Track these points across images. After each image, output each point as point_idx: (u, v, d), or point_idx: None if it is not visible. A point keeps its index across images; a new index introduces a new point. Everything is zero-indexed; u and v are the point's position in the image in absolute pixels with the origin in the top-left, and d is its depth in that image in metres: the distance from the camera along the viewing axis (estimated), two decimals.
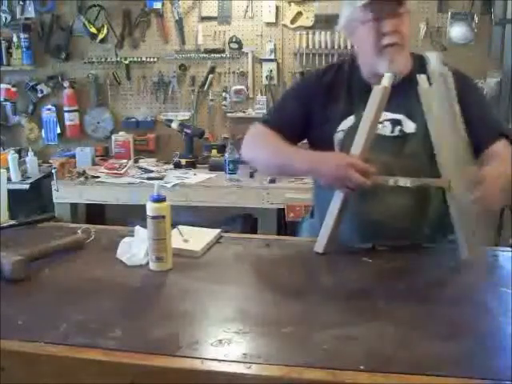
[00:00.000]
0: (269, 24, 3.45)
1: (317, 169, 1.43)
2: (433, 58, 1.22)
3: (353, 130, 1.46)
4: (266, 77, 3.50)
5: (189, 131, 3.47)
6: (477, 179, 1.24)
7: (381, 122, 1.46)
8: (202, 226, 1.66)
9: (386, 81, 1.35)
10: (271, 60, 3.48)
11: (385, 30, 1.42)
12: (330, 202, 1.44)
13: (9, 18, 3.50)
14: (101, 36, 3.52)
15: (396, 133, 1.50)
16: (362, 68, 1.56)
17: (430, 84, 1.35)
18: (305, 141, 1.66)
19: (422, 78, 1.35)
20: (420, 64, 1.49)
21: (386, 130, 1.50)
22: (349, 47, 3.32)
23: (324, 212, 1.47)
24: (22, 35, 3.48)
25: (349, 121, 1.52)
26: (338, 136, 1.54)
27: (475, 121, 1.41)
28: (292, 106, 1.63)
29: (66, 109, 3.63)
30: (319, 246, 1.48)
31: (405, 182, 1.31)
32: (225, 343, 1.01)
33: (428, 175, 1.40)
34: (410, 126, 1.50)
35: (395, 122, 1.50)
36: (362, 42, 1.51)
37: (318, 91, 1.58)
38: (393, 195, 1.45)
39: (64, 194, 3.19)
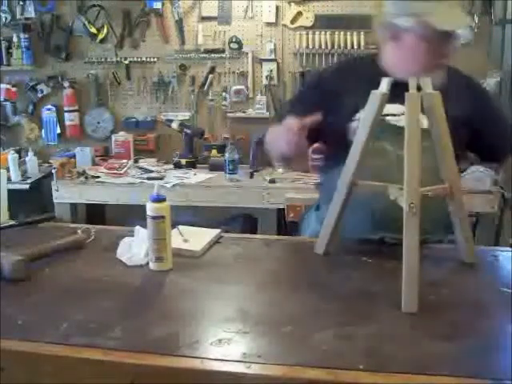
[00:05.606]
0: (269, 24, 3.45)
1: (271, 142, 1.59)
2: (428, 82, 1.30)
3: None
4: (266, 77, 3.50)
5: (189, 131, 3.47)
6: None
7: (397, 115, 1.49)
8: (201, 226, 1.66)
9: (385, 86, 1.34)
10: (271, 60, 3.48)
11: (418, 54, 1.49)
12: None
13: (9, 18, 3.50)
14: (101, 36, 3.52)
15: None
16: (385, 64, 1.60)
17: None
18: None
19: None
20: (455, 76, 1.58)
21: (401, 122, 1.48)
22: (348, 47, 3.33)
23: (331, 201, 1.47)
24: (22, 35, 3.48)
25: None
26: (354, 125, 1.54)
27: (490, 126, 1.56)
28: (310, 95, 1.70)
29: (65, 109, 3.63)
30: (319, 247, 1.48)
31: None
32: (225, 343, 1.01)
33: (436, 169, 1.39)
34: (424, 123, 1.49)
35: None
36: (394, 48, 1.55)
37: (336, 80, 1.65)
38: None
39: (64, 193, 3.19)
